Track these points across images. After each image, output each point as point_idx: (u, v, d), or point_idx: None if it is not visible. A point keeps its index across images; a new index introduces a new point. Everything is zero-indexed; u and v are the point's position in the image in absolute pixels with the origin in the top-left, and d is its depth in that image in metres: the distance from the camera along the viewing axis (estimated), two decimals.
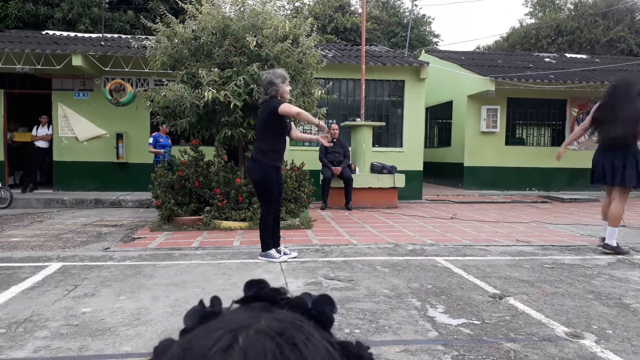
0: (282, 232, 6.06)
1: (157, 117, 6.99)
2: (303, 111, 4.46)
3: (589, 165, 13.85)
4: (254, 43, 6.11)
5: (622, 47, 21.04)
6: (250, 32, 6.31)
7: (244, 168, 7.08)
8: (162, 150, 8.97)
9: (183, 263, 4.45)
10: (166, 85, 6.45)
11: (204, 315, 0.41)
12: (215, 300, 0.43)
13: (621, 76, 9.30)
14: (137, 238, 5.73)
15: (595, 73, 12.90)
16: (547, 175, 12.38)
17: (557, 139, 12.78)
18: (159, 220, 6.66)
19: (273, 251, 4.60)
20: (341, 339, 0.40)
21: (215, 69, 6.21)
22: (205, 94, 5.99)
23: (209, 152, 7.58)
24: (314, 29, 6.80)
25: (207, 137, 7.31)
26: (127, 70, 9.61)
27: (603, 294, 3.60)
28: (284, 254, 4.66)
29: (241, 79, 6.03)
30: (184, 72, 6.60)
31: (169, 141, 9.25)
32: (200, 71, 6.17)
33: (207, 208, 6.60)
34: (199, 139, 7.33)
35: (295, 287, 3.64)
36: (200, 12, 6.54)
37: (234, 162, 7.26)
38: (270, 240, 4.61)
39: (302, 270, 4.19)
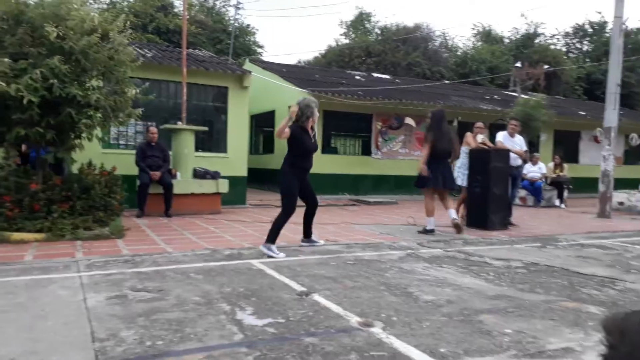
0: (88, 243, 5.59)
1: None
2: (279, 128, 5.33)
3: (391, 172, 15.49)
4: (55, 34, 5.50)
5: (418, 71, 24.36)
6: (51, 22, 5.65)
7: (42, 172, 6.29)
8: None
9: None
10: None
11: None
12: None
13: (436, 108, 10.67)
14: None
15: (396, 92, 14.69)
16: (356, 181, 13.66)
17: (365, 149, 14.22)
18: None
19: (275, 247, 5.24)
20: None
21: (6, 59, 5.42)
22: None
23: None
24: (127, 25, 6.39)
25: None
26: None
27: (393, 285, 4.10)
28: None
29: (38, 72, 5.36)
30: None
31: None
32: None
33: None
34: None
35: (95, 302, 3.36)
36: None
37: (31, 166, 6.41)
38: (277, 237, 5.32)
39: (105, 283, 3.88)
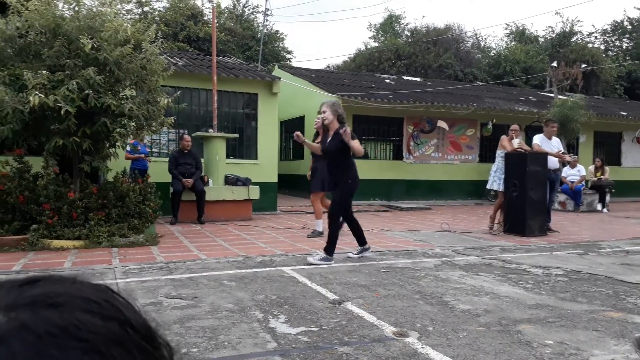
0: (124, 250, 5.70)
1: None
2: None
3: (424, 177, 15.23)
4: (90, 46, 5.64)
5: (449, 73, 24.00)
6: (86, 34, 5.81)
7: (79, 181, 6.46)
8: (142, 155, 8.79)
9: None
10: None
11: None
12: None
13: None
14: None
15: (426, 95, 14.48)
16: (388, 186, 13.50)
17: (396, 154, 14.05)
18: None
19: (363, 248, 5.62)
20: None
21: (44, 72, 5.59)
22: (31, 98, 5.36)
23: (37, 163, 6.75)
24: (158, 34, 6.51)
25: (35, 146, 6.53)
26: None
27: (427, 293, 4.00)
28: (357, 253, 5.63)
29: (74, 83, 5.51)
30: (5, 73, 5.82)
31: (147, 149, 9.14)
32: (25, 73, 5.50)
33: (34, 226, 5.87)
34: (25, 147, 6.50)
35: None
36: (27, 8, 5.85)
37: (69, 174, 6.59)
38: (364, 239, 5.61)
39: (141, 290, 3.93)
